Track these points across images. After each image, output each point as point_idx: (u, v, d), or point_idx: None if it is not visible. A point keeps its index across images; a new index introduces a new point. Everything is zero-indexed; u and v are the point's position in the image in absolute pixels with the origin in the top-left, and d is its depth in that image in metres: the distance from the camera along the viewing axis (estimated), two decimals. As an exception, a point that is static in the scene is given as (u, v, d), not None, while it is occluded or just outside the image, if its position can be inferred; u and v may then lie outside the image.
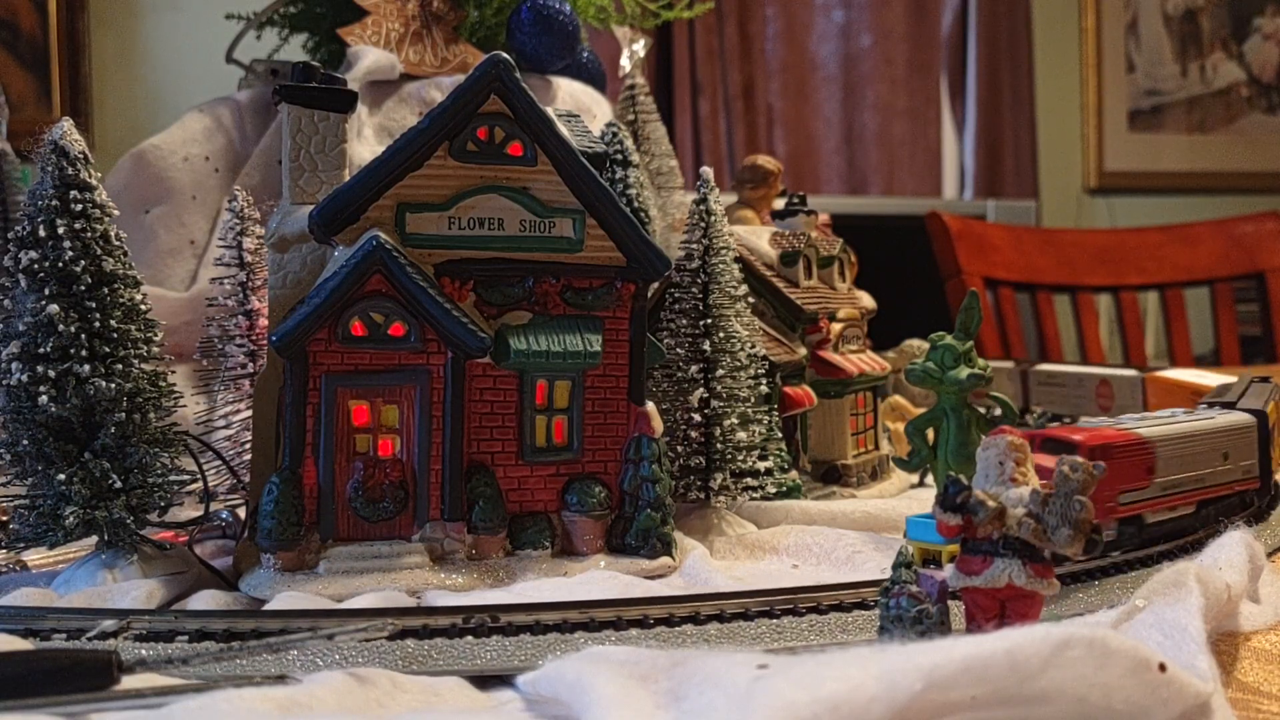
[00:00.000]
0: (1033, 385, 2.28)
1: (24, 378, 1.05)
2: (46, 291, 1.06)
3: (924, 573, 0.88)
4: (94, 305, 1.07)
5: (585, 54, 2.12)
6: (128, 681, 0.81)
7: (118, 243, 1.09)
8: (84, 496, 1.06)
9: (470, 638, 0.90)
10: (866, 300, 1.72)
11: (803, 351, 1.53)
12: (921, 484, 1.66)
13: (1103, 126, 5.67)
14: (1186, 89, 5.77)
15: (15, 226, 1.08)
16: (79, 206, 1.07)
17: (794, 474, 1.46)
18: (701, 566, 1.17)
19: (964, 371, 1.44)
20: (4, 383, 1.06)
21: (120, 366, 1.08)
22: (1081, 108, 5.68)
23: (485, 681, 0.88)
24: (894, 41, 5.47)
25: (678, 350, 1.33)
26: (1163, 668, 0.69)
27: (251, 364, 1.39)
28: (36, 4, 4.30)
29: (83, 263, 1.06)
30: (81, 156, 1.08)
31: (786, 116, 5.35)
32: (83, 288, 1.06)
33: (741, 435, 1.33)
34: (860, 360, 1.61)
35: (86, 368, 1.05)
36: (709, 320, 1.33)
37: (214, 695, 0.76)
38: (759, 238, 1.62)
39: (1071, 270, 3.58)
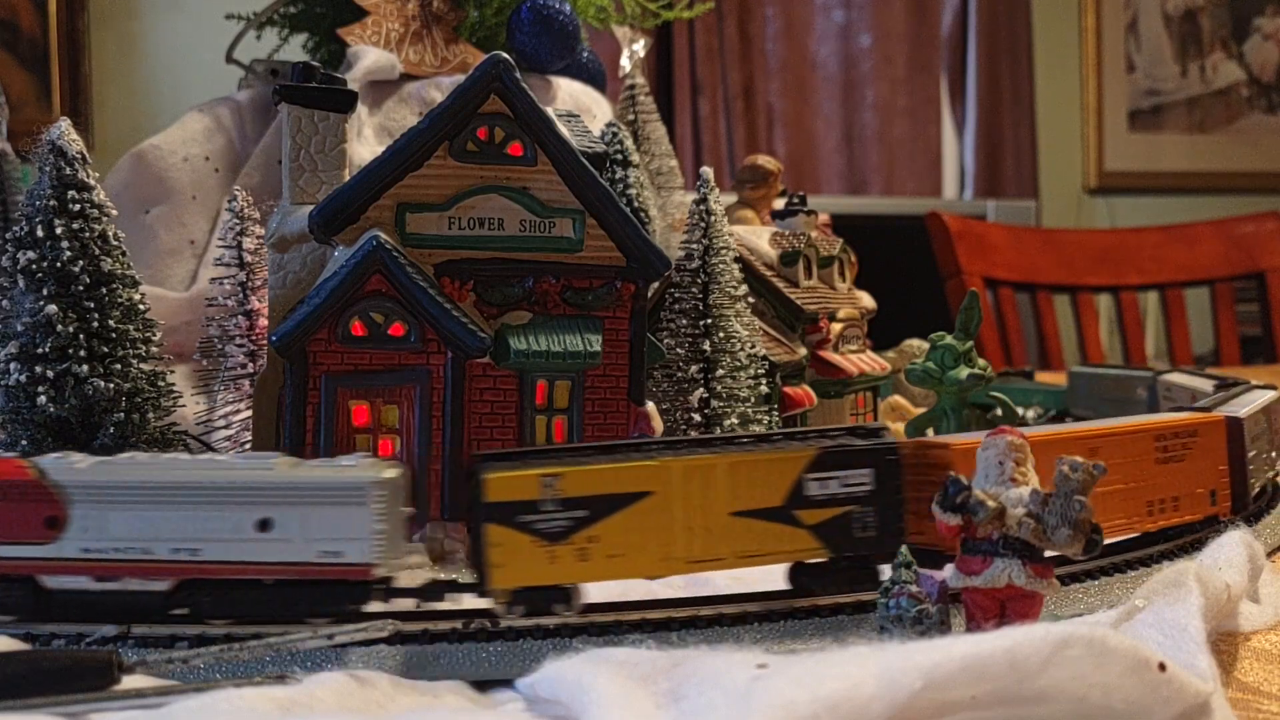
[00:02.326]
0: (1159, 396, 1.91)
1: (22, 378, 1.05)
2: (45, 292, 1.06)
3: (924, 573, 0.88)
4: (92, 305, 1.07)
5: (585, 54, 2.12)
6: (128, 682, 0.81)
7: (116, 242, 1.09)
8: (83, 497, 1.06)
9: (470, 643, 0.90)
10: (866, 300, 1.71)
11: (803, 351, 1.52)
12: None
13: (1103, 126, 5.67)
14: (1186, 89, 5.77)
15: (14, 226, 1.08)
16: (77, 206, 1.07)
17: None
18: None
19: (964, 371, 1.44)
20: (2, 383, 1.06)
21: (119, 366, 1.08)
22: (1081, 108, 5.68)
23: (485, 682, 0.87)
24: (894, 41, 5.47)
25: (678, 350, 1.33)
26: (1162, 667, 0.69)
27: (251, 364, 1.39)
28: (36, 4, 4.30)
29: (81, 263, 1.06)
30: (79, 156, 1.08)
31: (786, 116, 5.35)
32: (81, 288, 1.06)
33: (741, 435, 1.32)
34: (860, 360, 1.60)
35: (85, 368, 1.05)
36: (709, 320, 1.33)
37: (214, 695, 0.76)
38: (759, 238, 1.62)
39: (1071, 270, 3.58)
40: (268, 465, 0.93)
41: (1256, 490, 1.29)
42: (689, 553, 0.94)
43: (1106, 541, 1.04)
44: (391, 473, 0.92)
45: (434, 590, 0.94)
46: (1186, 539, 1.15)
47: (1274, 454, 1.41)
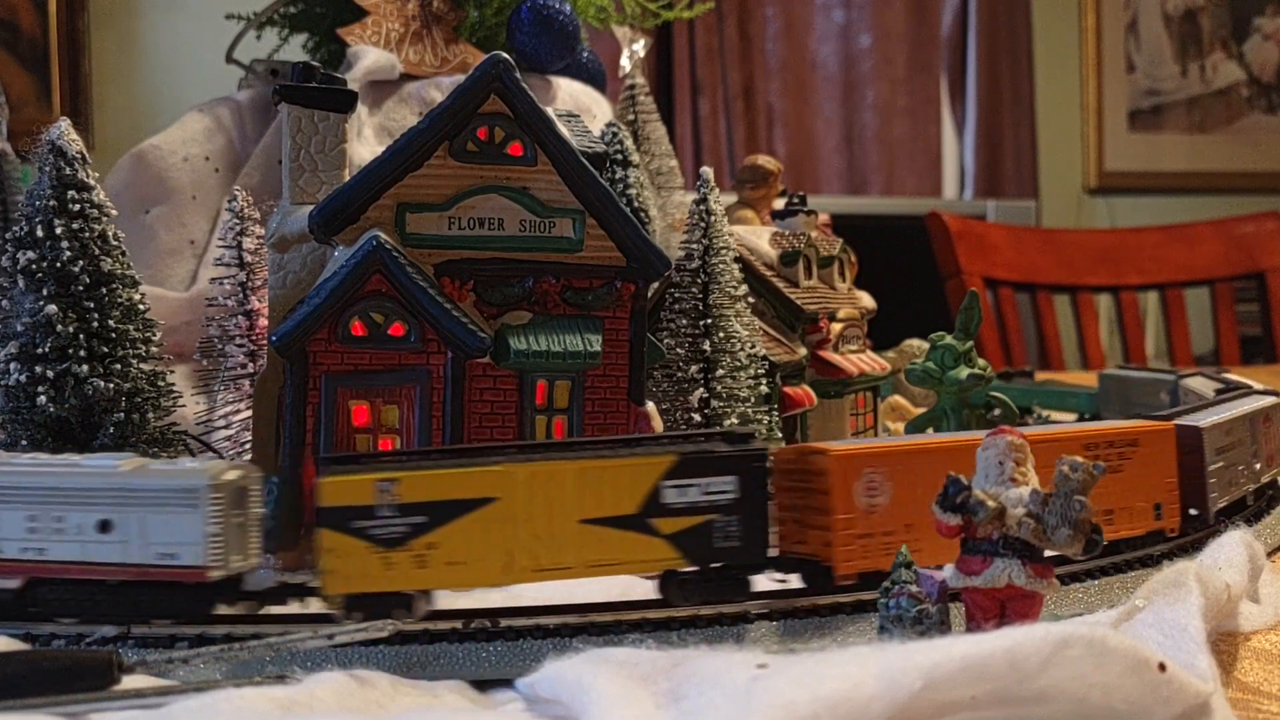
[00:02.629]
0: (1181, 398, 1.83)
1: (22, 378, 1.05)
2: (45, 292, 1.06)
3: (924, 572, 0.88)
4: (92, 305, 1.07)
5: (585, 54, 2.12)
6: (128, 682, 0.81)
7: (116, 242, 1.10)
8: (83, 497, 1.06)
9: (470, 643, 0.90)
10: (866, 300, 1.71)
11: (803, 351, 1.52)
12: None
13: (1103, 126, 5.67)
14: (1186, 89, 5.77)
15: (14, 226, 1.08)
16: (76, 206, 1.07)
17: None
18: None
19: (964, 371, 1.44)
20: (2, 383, 1.06)
21: (119, 366, 1.08)
22: (1081, 108, 5.68)
23: (485, 682, 0.88)
24: (894, 41, 5.47)
25: (678, 350, 1.33)
26: (1162, 667, 0.69)
27: (251, 364, 1.39)
28: (36, 4, 4.30)
29: (81, 263, 1.06)
30: (79, 156, 1.08)
31: (786, 116, 5.35)
32: (81, 288, 1.07)
33: (741, 435, 1.32)
34: (860, 360, 1.60)
35: (85, 368, 1.05)
36: (709, 320, 1.33)
37: (214, 695, 0.76)
38: (759, 238, 1.62)
39: (1071, 270, 3.58)
40: (112, 467, 0.93)
41: (1224, 503, 1.20)
42: (534, 561, 0.92)
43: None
44: (230, 475, 0.92)
45: (279, 593, 0.95)
46: (1184, 539, 1.14)
47: (1258, 465, 1.31)
